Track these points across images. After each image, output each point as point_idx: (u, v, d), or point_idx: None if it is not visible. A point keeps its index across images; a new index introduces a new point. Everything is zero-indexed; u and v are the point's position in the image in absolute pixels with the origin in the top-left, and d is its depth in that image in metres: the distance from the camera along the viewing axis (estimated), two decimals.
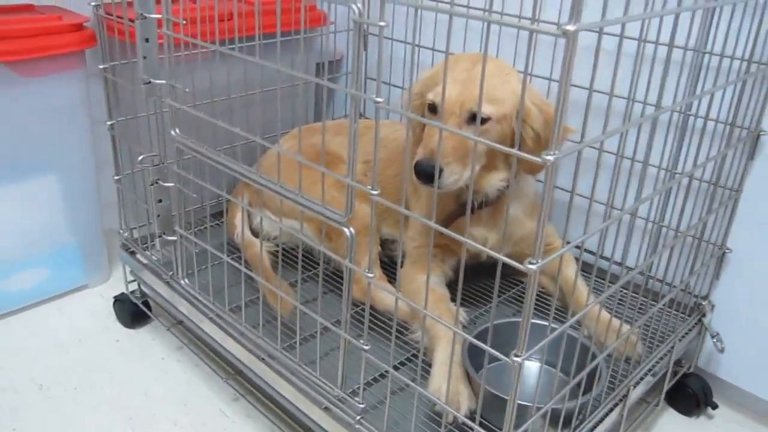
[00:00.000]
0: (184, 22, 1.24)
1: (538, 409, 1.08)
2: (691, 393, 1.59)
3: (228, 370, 1.61)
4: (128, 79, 1.55)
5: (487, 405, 1.20)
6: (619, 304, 1.57)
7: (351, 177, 1.03)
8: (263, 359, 1.37)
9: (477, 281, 1.67)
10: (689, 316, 1.54)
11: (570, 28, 0.70)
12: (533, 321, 1.39)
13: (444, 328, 1.34)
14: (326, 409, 1.24)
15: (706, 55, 1.43)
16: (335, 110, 2.20)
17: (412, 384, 1.11)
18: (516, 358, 0.88)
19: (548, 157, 0.76)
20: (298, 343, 1.30)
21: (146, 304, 1.79)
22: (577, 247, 0.99)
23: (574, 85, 1.50)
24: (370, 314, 1.43)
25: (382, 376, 1.36)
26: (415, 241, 1.58)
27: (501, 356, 0.90)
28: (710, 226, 1.48)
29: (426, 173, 1.25)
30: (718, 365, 1.63)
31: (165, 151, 1.45)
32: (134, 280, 1.77)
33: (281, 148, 1.25)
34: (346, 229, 1.07)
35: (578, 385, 1.21)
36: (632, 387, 1.30)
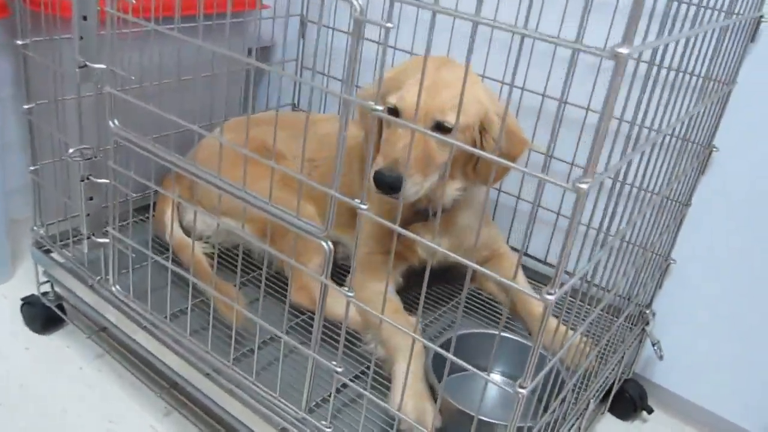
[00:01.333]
0: (134, 1, 1.10)
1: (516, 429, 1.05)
2: (628, 397, 1.63)
3: (159, 381, 1.47)
4: (50, 58, 1.37)
5: (456, 422, 1.16)
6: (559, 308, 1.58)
7: (335, 188, 0.95)
8: (208, 374, 1.26)
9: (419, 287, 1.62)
10: (634, 324, 1.56)
11: (622, 51, 0.65)
12: (492, 332, 1.37)
13: (404, 340, 1.29)
14: (284, 430, 1.15)
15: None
16: (268, 100, 2.07)
17: (376, 400, 1.05)
18: (521, 390, 0.84)
19: (581, 186, 0.71)
20: (255, 360, 1.20)
21: (60, 307, 1.61)
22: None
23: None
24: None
25: (338, 390, 1.28)
26: (366, 247, 1.50)
27: (507, 388, 0.85)
28: (658, 238, 1.51)
29: (388, 184, 1.19)
30: (654, 371, 1.67)
31: (98, 143, 1.29)
32: (47, 281, 1.59)
33: (224, 140, 1.13)
34: (324, 243, 0.98)
35: (540, 400, 1.19)
36: (592, 399, 1.30)
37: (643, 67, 0.94)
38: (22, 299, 1.63)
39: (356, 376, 1.34)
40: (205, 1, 1.52)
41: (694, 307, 1.58)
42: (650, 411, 1.64)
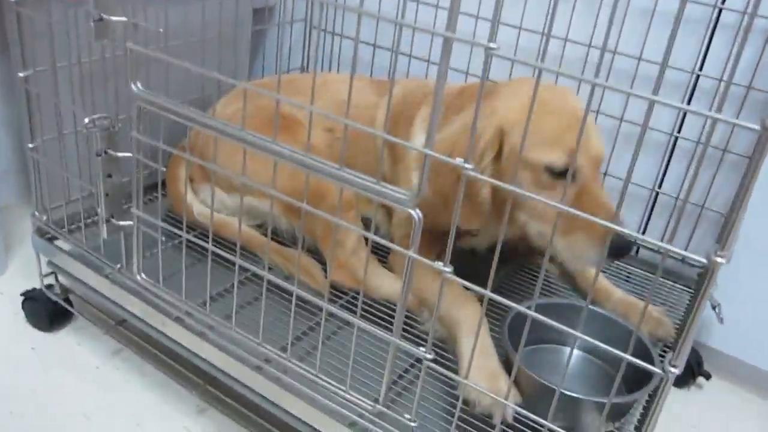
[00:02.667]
0: None
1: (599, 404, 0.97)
2: (685, 364, 1.54)
3: (190, 377, 1.32)
4: (45, 15, 1.19)
5: (538, 398, 1.05)
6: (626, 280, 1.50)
7: (429, 147, 0.81)
8: (258, 367, 1.12)
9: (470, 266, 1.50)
10: (693, 288, 1.47)
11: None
12: (572, 302, 1.26)
13: (466, 312, 1.16)
14: (353, 425, 1.02)
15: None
16: (278, 63, 1.91)
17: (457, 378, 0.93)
18: (673, 369, 0.72)
19: None
20: (319, 353, 1.05)
21: (67, 300, 1.44)
22: None
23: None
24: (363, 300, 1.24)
25: (400, 376, 1.16)
26: (402, 229, 1.37)
27: (653, 369, 0.73)
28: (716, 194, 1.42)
29: (627, 251, 1.05)
30: (710, 335, 1.59)
31: (117, 112, 1.12)
32: (52, 273, 1.42)
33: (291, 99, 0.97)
34: (413, 212, 0.85)
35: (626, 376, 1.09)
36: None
37: None
38: (23, 294, 1.45)
39: (416, 361, 1.21)
40: None
41: (752, 267, 1.49)
42: (708, 377, 1.56)
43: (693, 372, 1.54)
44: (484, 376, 1.07)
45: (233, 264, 1.06)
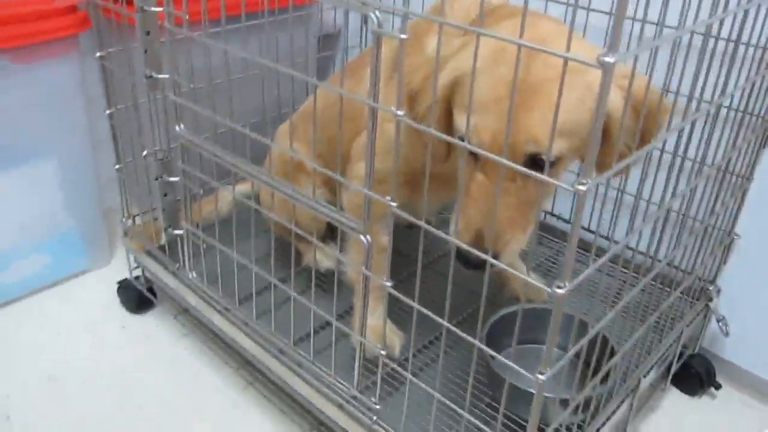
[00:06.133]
0: (188, 17, 1.19)
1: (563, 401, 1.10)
2: (694, 373, 1.61)
3: (237, 359, 1.61)
4: (126, 66, 1.50)
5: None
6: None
7: (368, 186, 1.01)
8: (275, 356, 1.37)
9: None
10: (696, 299, 1.54)
11: (609, 59, 0.67)
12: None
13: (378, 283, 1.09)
14: (340, 407, 1.25)
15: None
16: None
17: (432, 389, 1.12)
18: (540, 376, 0.88)
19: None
20: (311, 339, 1.29)
21: (151, 290, 1.78)
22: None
23: None
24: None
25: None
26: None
27: (528, 374, 0.89)
28: (716, 211, 1.48)
29: (477, 266, 0.92)
30: (723, 346, 1.65)
31: (169, 145, 1.41)
32: (138, 267, 1.76)
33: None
34: (362, 237, 1.05)
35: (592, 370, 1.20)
36: (643, 377, 1.31)
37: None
38: (118, 283, 1.81)
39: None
40: None
41: (760, 282, 1.54)
42: (718, 387, 1.62)
43: (701, 381, 1.61)
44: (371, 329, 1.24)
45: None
